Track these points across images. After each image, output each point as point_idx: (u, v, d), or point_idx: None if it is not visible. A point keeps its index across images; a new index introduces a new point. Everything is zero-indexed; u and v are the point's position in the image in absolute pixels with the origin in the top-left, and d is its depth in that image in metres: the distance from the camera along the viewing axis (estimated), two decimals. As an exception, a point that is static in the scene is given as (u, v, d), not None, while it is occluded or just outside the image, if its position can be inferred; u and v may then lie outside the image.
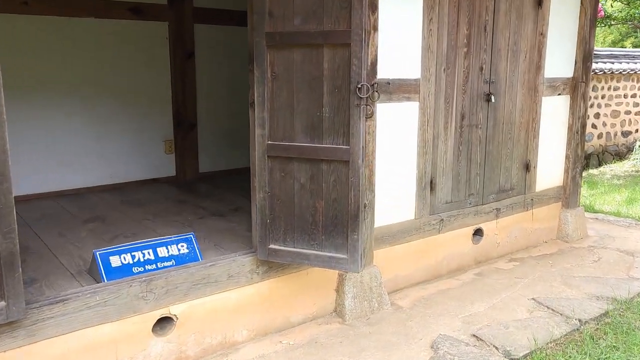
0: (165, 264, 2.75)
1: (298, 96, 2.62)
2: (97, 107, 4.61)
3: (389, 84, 3.25)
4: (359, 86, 2.47)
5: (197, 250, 2.86)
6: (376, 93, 2.96)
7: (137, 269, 2.66)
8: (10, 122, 4.21)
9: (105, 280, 2.55)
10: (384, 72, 3.20)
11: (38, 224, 3.64)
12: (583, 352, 2.79)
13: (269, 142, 2.70)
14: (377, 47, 3.04)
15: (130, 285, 2.49)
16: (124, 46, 4.67)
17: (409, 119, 3.44)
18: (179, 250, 2.81)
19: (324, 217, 2.68)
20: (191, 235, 2.90)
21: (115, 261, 2.63)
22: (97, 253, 2.62)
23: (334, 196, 2.65)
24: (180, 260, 2.79)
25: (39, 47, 4.27)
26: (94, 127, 4.62)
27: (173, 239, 2.85)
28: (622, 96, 9.28)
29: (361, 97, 2.48)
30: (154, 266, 2.71)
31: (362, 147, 2.54)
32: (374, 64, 3.03)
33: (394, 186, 3.44)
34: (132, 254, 2.69)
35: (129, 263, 2.66)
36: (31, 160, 4.35)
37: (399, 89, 3.32)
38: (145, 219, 3.79)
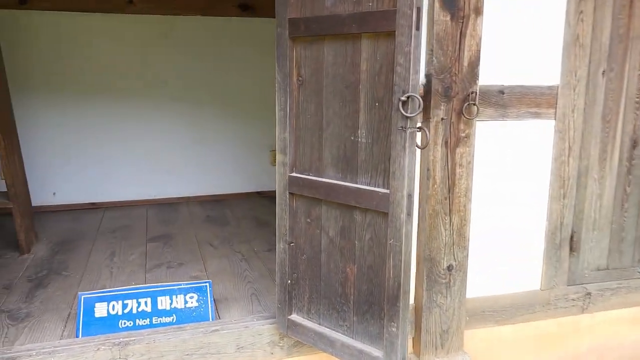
0: (163, 319, 2.16)
1: (328, 112, 1.79)
2: (200, 112, 4.29)
3: (503, 93, 2.20)
4: (404, 98, 1.55)
5: (209, 306, 2.22)
6: (474, 107, 2.00)
7: (125, 323, 2.12)
8: (113, 126, 4.12)
9: (80, 335, 2.05)
10: (494, 75, 2.17)
11: (104, 236, 3.37)
12: None
13: (292, 174, 1.92)
14: (479, 38, 2.04)
15: (98, 349, 1.94)
16: (231, 46, 4.26)
17: (537, 144, 2.33)
18: (185, 302, 2.20)
19: (356, 289, 1.82)
20: (206, 285, 2.27)
21: (100, 310, 2.12)
22: (82, 297, 2.14)
23: (369, 261, 1.77)
24: (183, 316, 2.17)
25: (143, 48, 4.07)
26: (195, 134, 4.31)
27: (182, 286, 2.25)
28: None
29: (407, 116, 1.56)
30: (147, 321, 2.14)
31: (409, 193, 1.62)
32: (474, 63, 2.03)
33: (504, 241, 2.36)
34: (125, 302, 2.15)
35: (116, 314, 2.12)
36: (132, 167, 4.19)
37: (519, 101, 2.24)
38: (211, 243, 3.28)
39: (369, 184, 1.72)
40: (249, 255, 3.08)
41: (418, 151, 1.90)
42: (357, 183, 1.75)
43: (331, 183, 1.80)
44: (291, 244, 1.97)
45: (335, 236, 1.84)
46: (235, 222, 3.77)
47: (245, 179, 4.49)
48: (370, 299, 1.78)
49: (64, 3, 3.83)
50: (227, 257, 3.03)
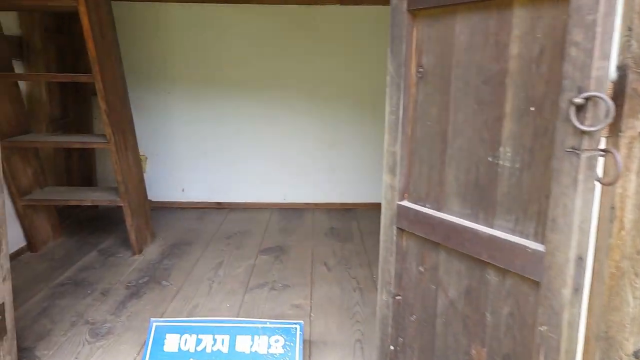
0: (240, 364, 1.77)
1: (457, 117, 1.22)
2: (334, 112, 3.90)
3: None
4: (579, 101, 0.93)
5: (297, 354, 1.78)
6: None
7: (195, 364, 1.77)
8: (244, 126, 3.91)
9: (144, 371, 1.75)
10: None
11: (218, 242, 3.14)
12: None
13: (402, 202, 1.39)
14: None
15: (156, 395, 1.61)
16: (371, 38, 3.79)
17: None
18: (269, 346, 1.79)
19: (484, 384, 1.22)
20: (296, 327, 1.83)
21: (171, 343, 1.79)
22: (153, 324, 1.84)
23: (505, 348, 1.16)
24: (264, 364, 1.76)
25: (276, 40, 3.79)
26: (327, 137, 3.93)
27: (268, 325, 1.84)
28: None
29: (583, 130, 0.94)
30: (220, 364, 1.77)
31: (579, 256, 0.99)
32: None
33: None
34: (199, 336, 1.80)
35: (188, 351, 1.78)
36: (260, 168, 3.95)
37: None
38: (326, 263, 2.86)
39: (512, 231, 1.11)
40: (365, 284, 2.59)
41: (598, 186, 1.24)
42: (492, 227, 1.15)
43: (454, 222, 1.23)
44: (397, 298, 1.44)
45: (458, 299, 1.26)
46: (359, 238, 3.30)
47: (378, 189, 3.99)
48: (503, 403, 1.18)
49: (201, -5, 3.70)
50: (339, 284, 2.58)
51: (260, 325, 1.83)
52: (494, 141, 1.13)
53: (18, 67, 2.86)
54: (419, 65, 1.31)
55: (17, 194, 2.71)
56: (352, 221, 3.67)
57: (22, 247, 2.88)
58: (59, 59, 3.32)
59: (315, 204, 4.01)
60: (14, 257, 2.79)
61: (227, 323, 1.84)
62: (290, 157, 3.95)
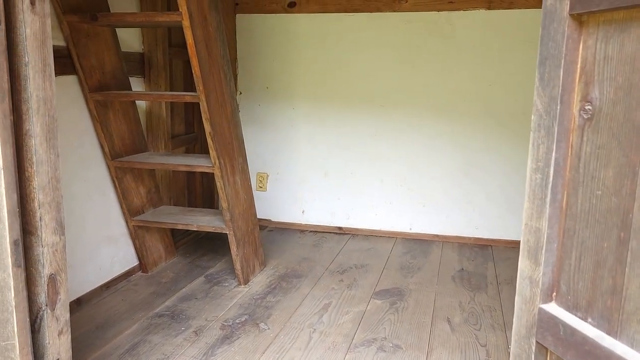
0: None
1: (651, 189, 0.74)
2: (471, 132, 3.39)
3: None
4: None
5: None
6: None
7: None
8: (369, 143, 3.56)
9: None
10: None
11: (330, 277, 2.82)
12: None
13: (547, 306, 0.92)
14: None
15: None
16: (524, 49, 3.22)
17: None
18: None
19: None
20: None
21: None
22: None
23: None
24: None
25: (409, 51, 3.39)
26: (462, 160, 3.42)
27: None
28: None
29: None
30: None
31: None
32: None
33: None
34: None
35: None
36: (385, 192, 3.58)
37: None
38: (450, 319, 2.39)
39: None
40: (497, 356, 2.08)
41: None
42: None
43: (639, 362, 0.74)
44: None
45: None
46: (495, 287, 2.76)
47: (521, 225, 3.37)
48: None
49: (333, 5, 3.43)
50: (463, 352, 2.10)
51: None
52: None
53: (138, 85, 2.82)
54: (586, 101, 0.84)
55: (128, 213, 2.65)
56: (487, 262, 3.12)
57: (134, 267, 2.83)
58: (185, 75, 3.27)
59: (445, 237, 3.52)
60: (124, 277, 2.75)
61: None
62: (420, 183, 3.51)
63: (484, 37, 3.26)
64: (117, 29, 2.54)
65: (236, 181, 2.55)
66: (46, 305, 1.34)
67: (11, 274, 1.24)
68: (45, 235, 1.32)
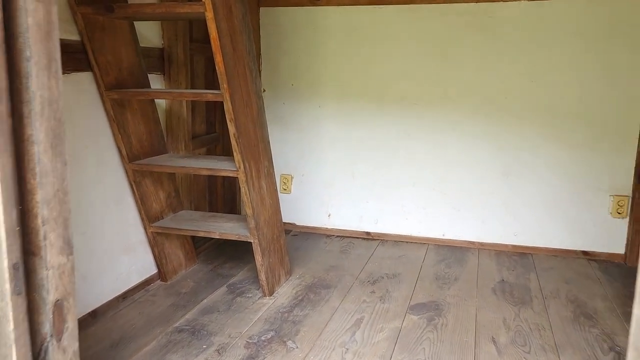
0: None
1: None
2: (511, 133, 3.16)
3: None
4: None
5: None
6: None
7: None
8: (401, 143, 3.36)
9: None
10: None
11: (361, 288, 2.63)
12: None
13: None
14: None
15: None
16: (575, 40, 2.98)
17: None
18: None
19: None
20: None
21: None
22: None
23: None
24: None
25: (445, 45, 3.17)
26: (502, 162, 3.20)
27: None
28: None
29: None
30: None
31: None
32: None
33: None
34: None
35: None
36: (417, 195, 3.38)
37: None
38: (495, 338, 2.18)
39: None
40: (552, 384, 1.87)
41: None
42: None
43: None
44: None
45: None
46: (541, 301, 2.54)
47: (566, 231, 3.14)
48: None
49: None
50: (514, 379, 1.89)
51: None
52: None
53: (157, 82, 2.66)
54: None
55: (146, 219, 2.49)
56: (530, 273, 2.90)
57: (152, 275, 2.67)
58: (207, 72, 3.10)
59: (481, 244, 3.30)
60: (142, 286, 2.59)
61: None
62: (454, 186, 3.30)
63: (527, 30, 3.03)
64: (135, 23, 2.38)
65: (262, 186, 2.37)
66: (51, 335, 1.17)
67: (10, 303, 1.07)
68: (50, 256, 1.15)
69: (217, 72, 1.99)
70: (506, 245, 3.26)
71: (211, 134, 3.25)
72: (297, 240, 3.42)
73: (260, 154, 2.34)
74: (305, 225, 3.62)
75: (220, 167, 2.25)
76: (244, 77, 2.15)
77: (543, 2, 2.99)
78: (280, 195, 3.60)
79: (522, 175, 3.18)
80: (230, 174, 2.22)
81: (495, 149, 3.19)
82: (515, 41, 3.05)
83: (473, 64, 3.14)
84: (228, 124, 2.10)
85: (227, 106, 2.06)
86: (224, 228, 2.48)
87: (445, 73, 3.19)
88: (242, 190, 2.24)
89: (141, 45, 2.45)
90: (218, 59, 1.96)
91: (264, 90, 3.52)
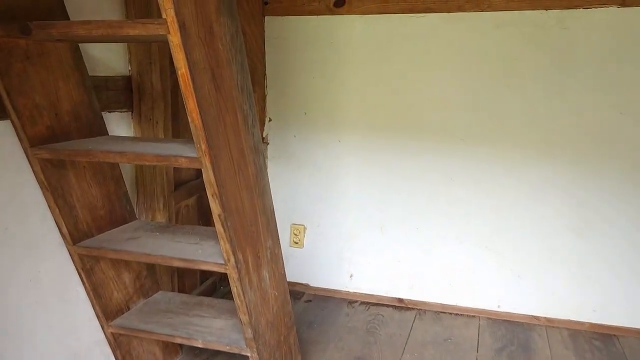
0: None
1: None
2: (586, 182, 2.43)
3: None
4: None
5: None
6: None
7: None
8: (439, 188, 2.61)
9: None
10: None
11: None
12: None
13: None
14: None
15: None
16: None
17: None
18: None
19: None
20: None
21: None
22: None
23: None
24: None
25: (489, 68, 2.44)
26: (573, 216, 2.47)
27: None
28: None
29: None
30: None
31: None
32: None
33: None
34: None
35: None
36: (463, 255, 2.65)
37: None
38: None
39: None
40: None
41: None
42: None
43: None
44: None
45: None
46: None
47: (666, 309, 2.40)
48: None
49: (395, 3, 2.51)
50: None
51: None
52: None
53: (123, 122, 1.96)
54: None
55: (103, 317, 1.78)
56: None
57: (117, 383, 1.96)
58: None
59: (548, 320, 2.57)
60: (100, 403, 1.88)
61: None
62: (513, 245, 2.57)
63: (614, 46, 2.29)
64: (85, 44, 1.68)
65: (262, 278, 1.65)
66: None
67: None
68: None
69: (191, 126, 1.28)
70: (582, 324, 2.52)
71: (201, 178, 2.54)
72: (311, 309, 2.71)
73: (260, 233, 1.62)
74: (320, 287, 2.91)
75: (198, 258, 1.53)
76: (233, 129, 1.43)
77: (638, 9, 2.25)
78: (290, 249, 2.89)
79: (603, 234, 2.44)
80: (216, 269, 1.51)
81: (569, 199, 2.45)
82: (599, 60, 2.31)
83: (541, 90, 2.40)
84: (210, 201, 1.39)
85: (208, 176, 1.34)
86: (212, 330, 1.77)
87: (501, 101, 2.46)
88: (233, 291, 1.52)
89: (95, 74, 1.75)
90: (190, 106, 1.24)
91: (270, 120, 2.82)
